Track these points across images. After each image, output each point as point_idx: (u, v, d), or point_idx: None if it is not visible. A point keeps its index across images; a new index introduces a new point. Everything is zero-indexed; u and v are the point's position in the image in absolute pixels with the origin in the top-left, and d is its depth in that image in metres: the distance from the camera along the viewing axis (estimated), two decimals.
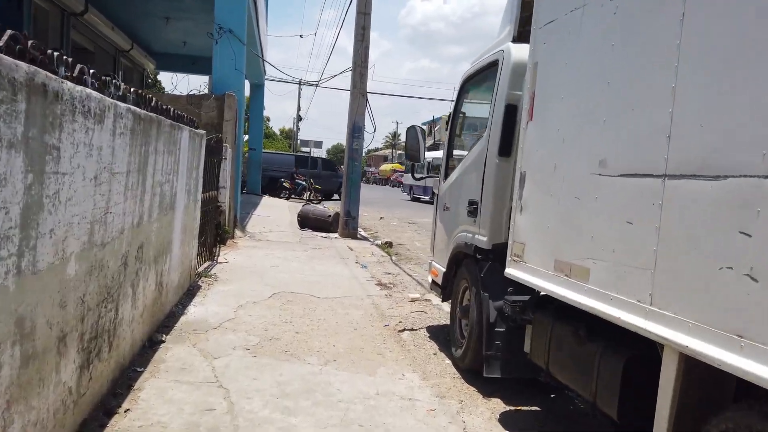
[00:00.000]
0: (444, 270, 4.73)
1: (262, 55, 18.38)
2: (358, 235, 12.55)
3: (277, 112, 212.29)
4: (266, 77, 24.82)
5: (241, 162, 11.57)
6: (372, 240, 12.49)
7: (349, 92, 12.53)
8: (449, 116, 5.17)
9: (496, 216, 3.94)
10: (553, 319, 3.11)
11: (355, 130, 12.26)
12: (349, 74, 12.56)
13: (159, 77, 32.80)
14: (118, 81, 3.36)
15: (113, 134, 3.04)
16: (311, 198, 24.52)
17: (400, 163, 68.24)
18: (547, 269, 2.99)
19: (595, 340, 2.76)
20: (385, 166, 67.00)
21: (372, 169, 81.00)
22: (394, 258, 10.25)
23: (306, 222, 13.18)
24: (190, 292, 6.03)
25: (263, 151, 26.34)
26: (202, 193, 7.16)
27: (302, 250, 9.96)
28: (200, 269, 7.15)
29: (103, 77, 3.13)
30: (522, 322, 3.48)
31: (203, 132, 6.27)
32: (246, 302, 5.89)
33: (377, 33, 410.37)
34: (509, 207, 3.92)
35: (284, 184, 25.00)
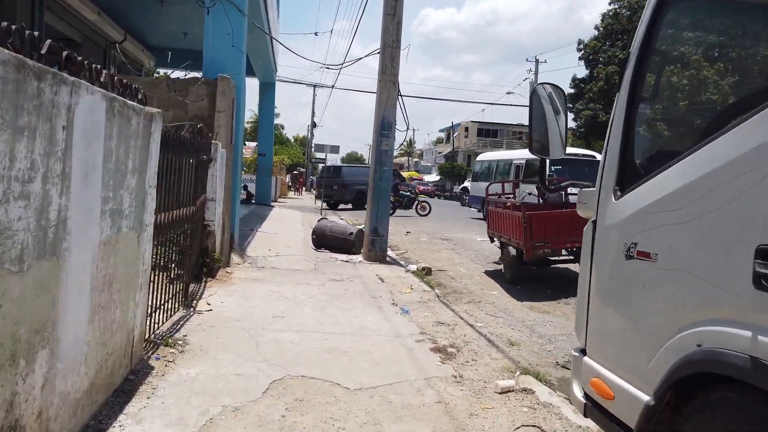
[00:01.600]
0: (647, 401, 2.03)
1: (272, 47, 15.93)
2: (387, 258, 9.90)
3: (291, 122, 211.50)
4: (278, 77, 22.41)
5: (240, 166, 9.00)
6: (404, 264, 9.84)
7: (374, 91, 9.94)
8: (623, 67, 2.43)
9: None
10: None
11: (384, 126, 9.64)
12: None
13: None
14: None
15: None
16: (419, 210, 21.81)
17: (417, 171, 65.51)
18: None
19: None
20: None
21: None
22: (439, 292, 7.59)
23: (322, 241, 10.56)
24: (127, 387, 3.40)
25: (345, 165, 25.04)
26: (172, 210, 4.58)
27: (318, 283, 7.32)
28: (162, 328, 4.54)
29: None
30: None
31: (155, 111, 3.65)
32: (221, 410, 3.25)
33: None
34: None
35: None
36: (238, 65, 8.29)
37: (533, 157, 17.76)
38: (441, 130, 70.09)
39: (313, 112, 50.33)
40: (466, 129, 56.97)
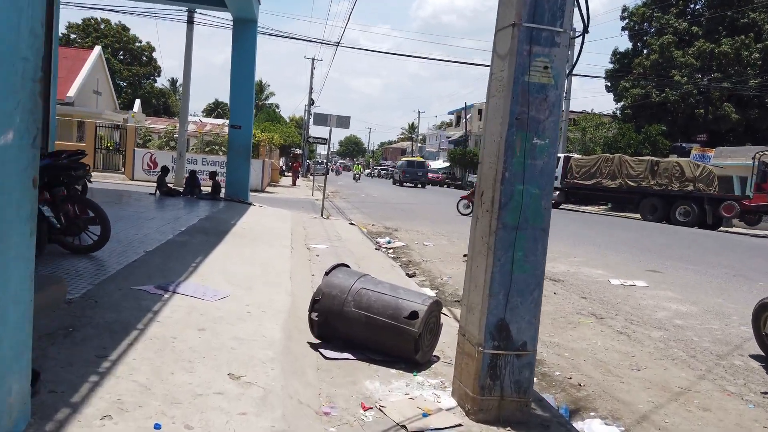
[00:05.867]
0: None
1: None
2: (531, 404, 3.29)
3: (286, 104, 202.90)
4: (267, 30, 15.68)
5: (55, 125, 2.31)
6: None
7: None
8: None
9: None
10: None
11: (541, 12, 2.98)
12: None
13: None
14: None
15: None
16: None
17: (422, 156, 58.64)
18: None
19: None
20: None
21: (389, 162, 71.73)
22: None
23: (336, 327, 3.96)
24: None
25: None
26: None
27: None
28: None
29: None
30: None
31: None
32: None
33: (388, 25, 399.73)
34: None
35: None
36: None
37: None
38: (450, 113, 63.01)
39: (311, 89, 43.43)
40: (480, 111, 50.12)
